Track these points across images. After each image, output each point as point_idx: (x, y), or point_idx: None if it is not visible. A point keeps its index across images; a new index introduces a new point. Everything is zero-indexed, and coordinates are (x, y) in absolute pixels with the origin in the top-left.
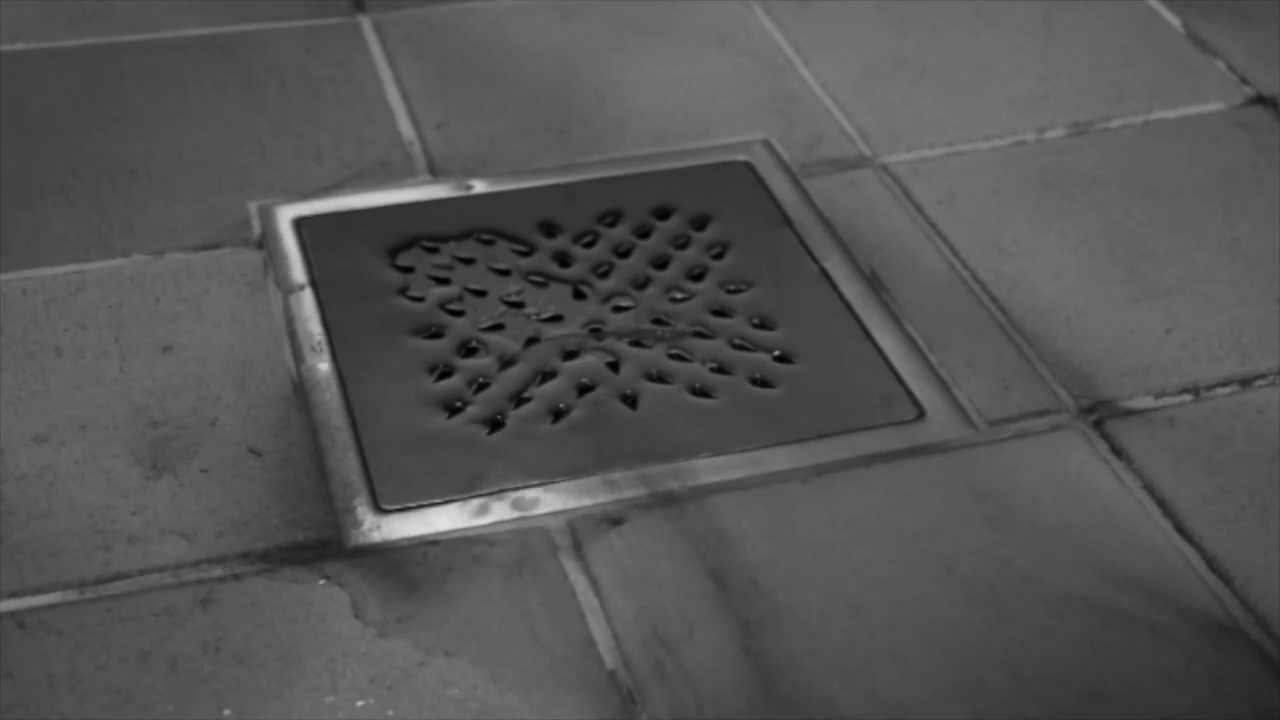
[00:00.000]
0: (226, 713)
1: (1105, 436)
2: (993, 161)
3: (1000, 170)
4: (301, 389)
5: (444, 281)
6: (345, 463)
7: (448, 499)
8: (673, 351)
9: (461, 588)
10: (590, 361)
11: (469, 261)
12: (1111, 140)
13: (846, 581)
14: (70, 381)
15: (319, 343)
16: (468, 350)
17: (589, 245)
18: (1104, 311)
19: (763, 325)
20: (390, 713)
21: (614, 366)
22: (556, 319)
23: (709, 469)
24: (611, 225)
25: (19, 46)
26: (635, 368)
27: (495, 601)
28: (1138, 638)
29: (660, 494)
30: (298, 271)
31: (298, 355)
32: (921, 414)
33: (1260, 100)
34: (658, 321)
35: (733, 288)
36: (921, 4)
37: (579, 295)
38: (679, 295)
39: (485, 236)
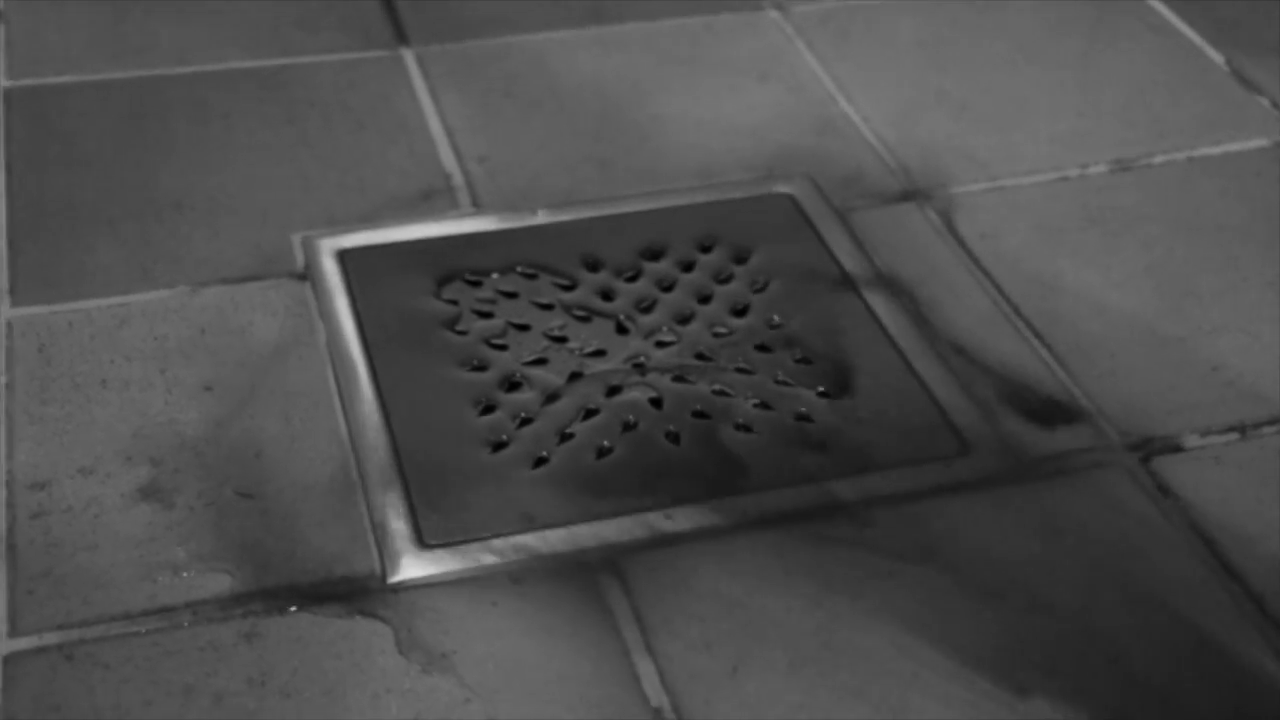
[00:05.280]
0: None
1: (1151, 474)
2: (1035, 197)
3: (1043, 206)
4: (345, 421)
5: (487, 315)
6: (389, 497)
7: (492, 535)
8: (716, 387)
9: (505, 624)
10: (633, 397)
11: (512, 295)
12: (1154, 177)
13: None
14: (116, 414)
15: (362, 375)
16: (511, 385)
17: (632, 279)
18: (1149, 349)
19: (805, 360)
20: None
21: (657, 402)
22: (599, 354)
23: (753, 505)
24: (654, 259)
25: (65, 79)
26: (678, 404)
27: (539, 638)
28: (1188, 678)
29: (704, 529)
30: (341, 303)
31: (341, 387)
32: (966, 449)
33: None
34: (700, 357)
35: (775, 322)
36: (962, 39)
37: (622, 330)
38: (721, 330)
39: (528, 270)
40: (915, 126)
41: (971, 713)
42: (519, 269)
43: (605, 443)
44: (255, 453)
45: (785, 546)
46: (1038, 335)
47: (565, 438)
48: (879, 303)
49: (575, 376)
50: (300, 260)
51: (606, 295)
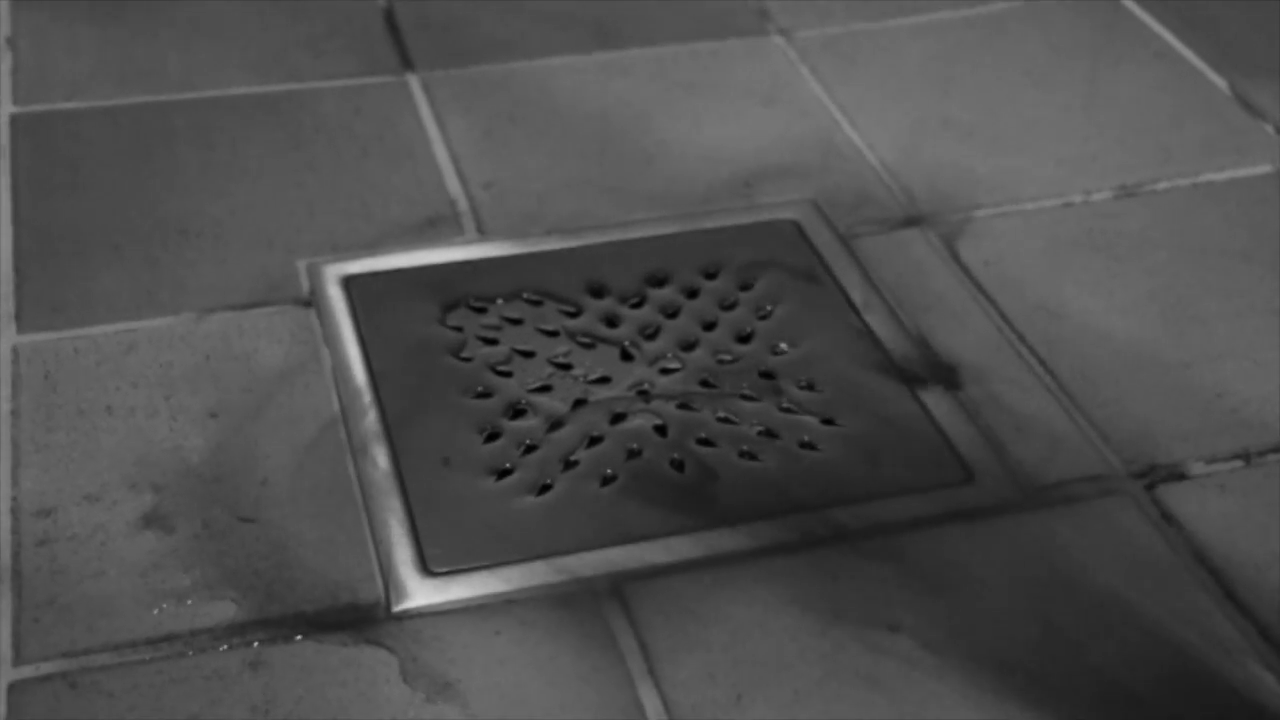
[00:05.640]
0: None
1: (1156, 502)
2: (1040, 223)
3: (1048, 232)
4: (350, 449)
5: (492, 342)
6: (394, 524)
7: (496, 562)
8: (720, 414)
9: (510, 652)
10: (638, 424)
11: (517, 322)
12: (1159, 202)
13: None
14: (121, 440)
15: (367, 402)
16: (516, 412)
17: (636, 306)
18: (1153, 375)
19: (809, 387)
20: None
21: (661, 430)
22: (604, 381)
23: (757, 533)
24: (659, 286)
25: (72, 105)
26: (683, 431)
27: (543, 666)
28: (1191, 707)
29: (709, 557)
30: (346, 329)
31: (346, 414)
32: (970, 477)
33: None
34: (705, 384)
35: (779, 349)
36: (967, 64)
37: (626, 357)
38: (726, 357)
39: (533, 297)
40: (919, 152)
41: None
42: (524, 295)
43: (609, 470)
44: (260, 479)
45: (789, 574)
46: (1042, 362)
47: (569, 465)
48: (882, 329)
49: (579, 403)
50: (305, 286)
51: (611, 322)
